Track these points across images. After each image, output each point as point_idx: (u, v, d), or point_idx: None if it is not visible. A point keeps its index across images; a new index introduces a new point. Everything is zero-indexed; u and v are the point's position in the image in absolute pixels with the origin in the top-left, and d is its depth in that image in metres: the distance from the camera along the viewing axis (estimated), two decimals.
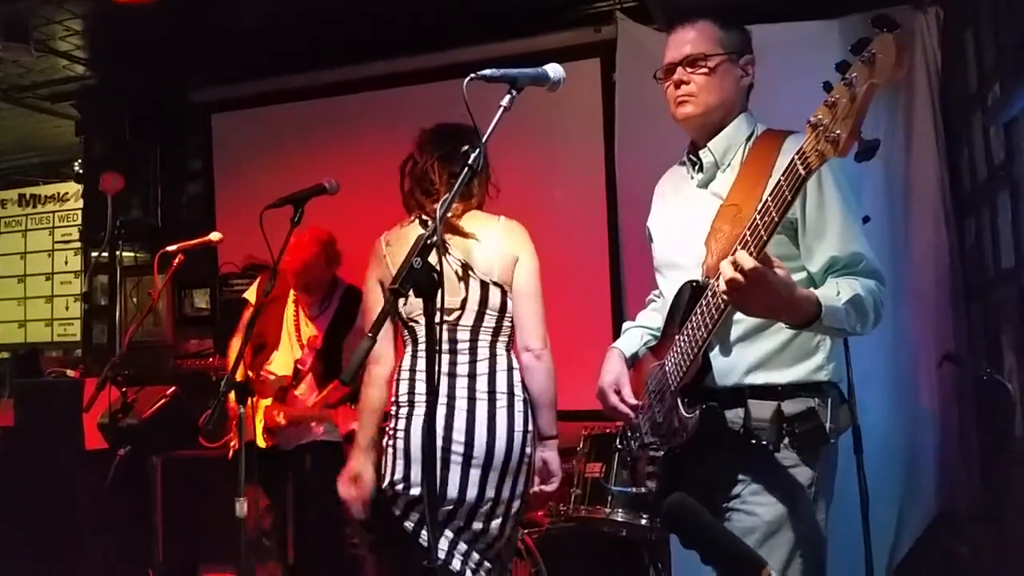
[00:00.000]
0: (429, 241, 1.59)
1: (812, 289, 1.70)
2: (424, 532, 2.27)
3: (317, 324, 3.57)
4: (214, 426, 3.29)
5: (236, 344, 3.68)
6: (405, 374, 2.42)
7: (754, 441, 1.79)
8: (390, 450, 2.38)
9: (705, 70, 1.90)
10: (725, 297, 1.57)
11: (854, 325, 1.69)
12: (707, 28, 1.93)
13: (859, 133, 1.35)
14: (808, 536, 1.80)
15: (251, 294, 3.74)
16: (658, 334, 2.08)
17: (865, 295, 1.70)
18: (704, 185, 1.95)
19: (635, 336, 2.16)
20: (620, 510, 2.97)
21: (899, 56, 1.30)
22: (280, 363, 3.53)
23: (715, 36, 1.92)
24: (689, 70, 1.92)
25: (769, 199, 1.52)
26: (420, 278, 1.56)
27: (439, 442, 2.25)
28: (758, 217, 1.54)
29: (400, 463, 2.34)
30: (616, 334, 2.23)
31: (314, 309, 3.60)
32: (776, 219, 1.50)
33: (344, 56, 4.79)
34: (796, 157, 1.45)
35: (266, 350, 3.56)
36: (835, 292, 1.68)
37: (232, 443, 3.47)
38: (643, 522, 2.89)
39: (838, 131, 1.35)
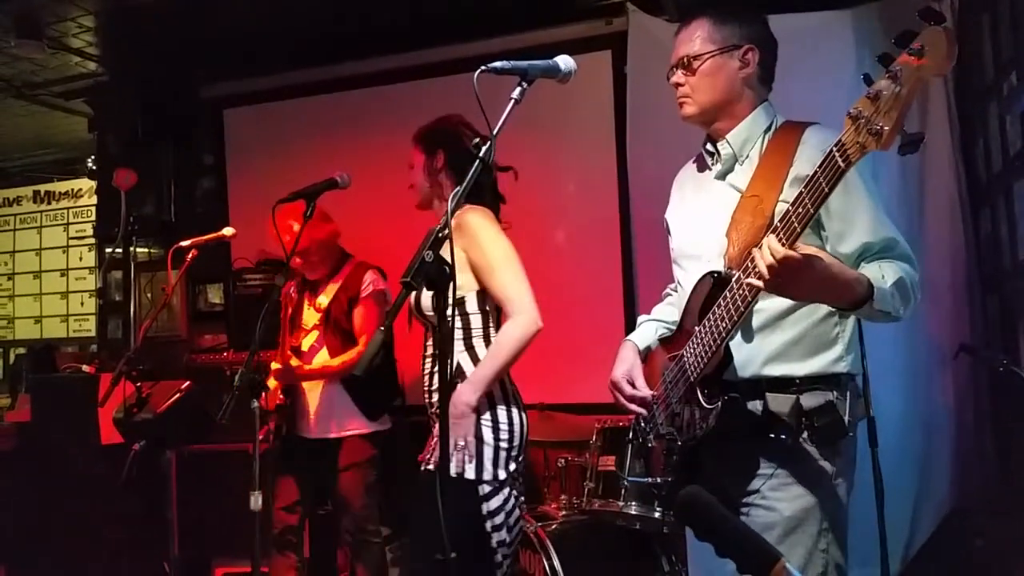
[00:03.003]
0: (440, 234, 1.59)
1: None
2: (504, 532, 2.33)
3: (322, 293, 3.60)
4: (230, 420, 3.31)
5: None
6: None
7: (773, 435, 1.79)
8: (503, 443, 2.34)
9: (694, 71, 1.92)
10: (761, 284, 1.56)
11: (898, 308, 1.68)
12: (701, 26, 1.94)
13: (903, 127, 1.34)
14: (828, 531, 1.79)
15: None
16: (673, 327, 2.07)
17: (907, 278, 1.70)
18: (722, 177, 1.95)
19: (649, 329, 2.16)
20: (634, 503, 2.97)
21: (949, 49, 1.29)
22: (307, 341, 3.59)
23: (707, 34, 1.92)
24: (682, 72, 1.95)
25: (804, 191, 1.50)
26: (432, 271, 1.56)
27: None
28: (791, 208, 1.52)
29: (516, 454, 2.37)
30: (628, 328, 2.23)
31: (324, 283, 3.62)
32: (811, 211, 1.49)
33: (355, 50, 4.78)
34: (835, 149, 1.43)
35: (297, 333, 3.59)
36: (880, 275, 1.67)
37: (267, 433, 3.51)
38: (656, 515, 2.89)
39: (881, 124, 1.34)
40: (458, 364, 2.38)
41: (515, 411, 2.39)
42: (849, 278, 1.61)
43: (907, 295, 1.70)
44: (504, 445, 2.34)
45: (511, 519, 2.34)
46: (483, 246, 2.37)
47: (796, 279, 1.53)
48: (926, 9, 1.31)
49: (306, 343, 3.57)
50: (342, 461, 3.51)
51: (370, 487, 3.55)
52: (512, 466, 2.35)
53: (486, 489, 2.30)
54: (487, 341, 2.39)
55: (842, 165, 1.43)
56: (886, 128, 1.33)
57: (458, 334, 2.38)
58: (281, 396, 3.51)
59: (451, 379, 2.31)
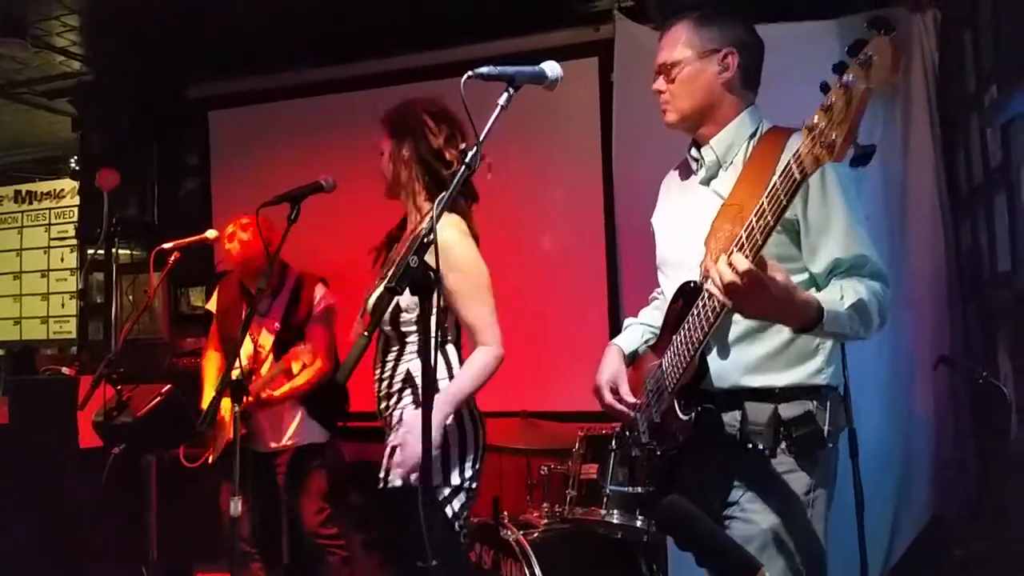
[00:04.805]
0: (425, 240, 1.59)
1: (815, 293, 1.67)
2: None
3: (272, 313, 3.57)
4: (208, 428, 3.28)
5: (212, 356, 3.70)
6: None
7: (751, 446, 1.78)
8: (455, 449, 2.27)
9: (673, 78, 1.91)
10: (721, 299, 1.55)
11: (857, 330, 1.66)
12: (680, 31, 1.92)
13: (855, 138, 1.32)
14: (807, 544, 1.78)
15: (212, 305, 3.75)
16: (659, 332, 2.07)
17: (869, 299, 1.67)
18: (706, 183, 1.93)
19: (636, 333, 2.14)
20: (616, 511, 2.96)
21: (895, 59, 1.27)
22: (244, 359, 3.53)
23: (687, 39, 1.90)
24: (663, 79, 1.93)
25: (765, 202, 1.49)
26: (416, 277, 1.56)
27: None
28: (754, 220, 1.51)
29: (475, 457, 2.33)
30: (613, 335, 2.22)
31: (265, 302, 3.56)
32: (772, 223, 1.48)
33: (341, 53, 4.78)
34: (792, 161, 1.42)
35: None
36: (839, 296, 1.65)
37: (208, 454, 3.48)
38: (639, 523, 2.89)
39: (834, 135, 1.32)
40: (408, 372, 2.29)
41: (466, 419, 2.32)
42: (799, 301, 1.58)
43: (868, 317, 1.67)
44: (456, 451, 2.28)
45: (466, 512, 2.33)
46: (460, 269, 2.24)
47: (754, 297, 1.52)
48: (874, 18, 1.30)
49: (264, 369, 3.49)
50: (295, 470, 3.49)
51: (324, 495, 3.55)
52: (469, 472, 2.30)
53: (445, 492, 2.25)
54: (442, 351, 2.31)
55: (798, 177, 1.41)
56: (838, 140, 1.31)
57: (411, 348, 2.28)
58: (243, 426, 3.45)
59: (403, 388, 2.29)
